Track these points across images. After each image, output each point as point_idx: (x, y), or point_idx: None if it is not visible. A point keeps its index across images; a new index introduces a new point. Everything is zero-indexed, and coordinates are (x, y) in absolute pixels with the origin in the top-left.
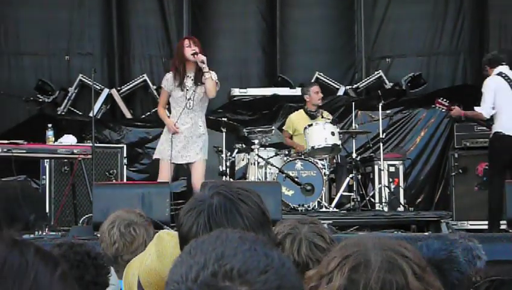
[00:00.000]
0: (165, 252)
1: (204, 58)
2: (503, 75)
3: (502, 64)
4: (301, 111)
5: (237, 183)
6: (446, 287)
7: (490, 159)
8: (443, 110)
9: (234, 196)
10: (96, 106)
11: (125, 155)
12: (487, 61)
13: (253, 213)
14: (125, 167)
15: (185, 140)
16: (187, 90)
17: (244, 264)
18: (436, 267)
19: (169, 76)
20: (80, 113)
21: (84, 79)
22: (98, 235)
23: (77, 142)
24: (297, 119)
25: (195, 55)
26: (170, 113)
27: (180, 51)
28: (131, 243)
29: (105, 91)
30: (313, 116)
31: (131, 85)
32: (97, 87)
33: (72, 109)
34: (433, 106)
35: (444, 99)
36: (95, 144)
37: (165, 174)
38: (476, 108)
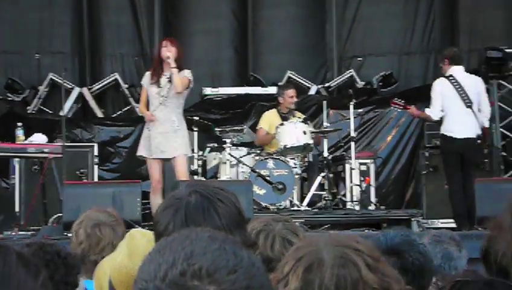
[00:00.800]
0: (137, 251)
1: (169, 54)
2: (451, 78)
3: (460, 65)
4: (274, 111)
5: (213, 182)
6: (407, 270)
7: (443, 161)
8: (400, 110)
9: (212, 194)
10: (67, 105)
11: (96, 154)
12: (450, 56)
13: (230, 212)
14: (96, 166)
15: (160, 136)
16: (161, 87)
17: (213, 264)
18: (394, 253)
19: (147, 74)
20: (51, 112)
21: (54, 78)
22: (69, 234)
23: (48, 142)
24: (271, 117)
25: (167, 58)
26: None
27: (158, 51)
28: (97, 244)
29: (76, 90)
30: (285, 118)
31: (102, 84)
32: (68, 86)
33: (43, 108)
34: (391, 106)
35: (399, 99)
36: (66, 143)
37: (152, 170)
38: (426, 110)
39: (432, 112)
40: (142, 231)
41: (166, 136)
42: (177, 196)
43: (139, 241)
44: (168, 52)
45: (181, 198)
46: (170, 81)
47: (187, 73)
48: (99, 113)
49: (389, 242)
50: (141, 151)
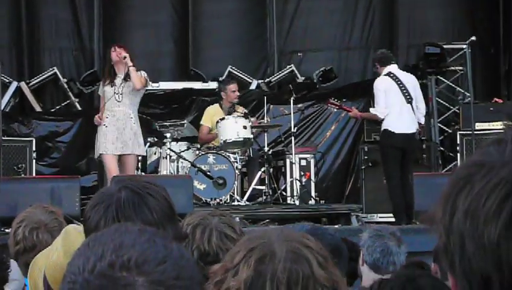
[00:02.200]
0: (72, 248)
1: (127, 55)
2: (392, 75)
3: (392, 64)
4: (217, 106)
5: (144, 177)
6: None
7: (382, 157)
8: (336, 109)
9: (142, 189)
10: (5, 99)
11: (34, 149)
12: (378, 59)
13: (161, 207)
14: (34, 161)
15: (117, 131)
16: (116, 86)
17: (142, 255)
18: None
19: (101, 81)
20: None
21: None
22: (7, 230)
23: None
24: (214, 112)
25: (119, 55)
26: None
27: (108, 58)
28: (32, 248)
29: (14, 84)
30: (228, 113)
31: (41, 78)
32: (5, 79)
33: None
34: (326, 106)
35: (335, 99)
36: (3, 138)
37: (113, 166)
38: (371, 110)
39: (378, 111)
40: (78, 227)
41: (123, 133)
42: (107, 192)
43: (75, 238)
44: (123, 53)
45: (111, 194)
46: (125, 79)
47: (143, 73)
48: (37, 108)
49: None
50: (99, 150)
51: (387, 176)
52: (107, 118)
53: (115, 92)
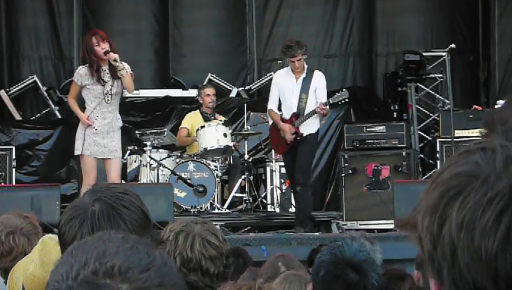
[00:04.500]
0: (49, 259)
1: (116, 56)
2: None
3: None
4: (197, 112)
5: (120, 185)
6: (368, 289)
7: (311, 157)
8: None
9: (115, 202)
10: None
11: (14, 157)
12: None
13: (136, 217)
14: (14, 169)
15: (107, 134)
16: (105, 85)
17: (125, 262)
18: (357, 269)
19: (82, 71)
20: None
21: None
22: None
23: None
24: (193, 118)
25: (107, 54)
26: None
27: (91, 49)
28: (9, 253)
29: None
30: (207, 118)
31: (20, 86)
32: None
33: None
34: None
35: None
36: None
37: (91, 168)
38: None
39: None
40: (55, 237)
41: (111, 134)
42: (81, 206)
43: (52, 249)
44: (113, 54)
45: (85, 208)
46: (113, 75)
47: (128, 67)
48: (17, 116)
49: (352, 255)
50: (79, 151)
51: (310, 178)
52: (96, 119)
53: (105, 93)
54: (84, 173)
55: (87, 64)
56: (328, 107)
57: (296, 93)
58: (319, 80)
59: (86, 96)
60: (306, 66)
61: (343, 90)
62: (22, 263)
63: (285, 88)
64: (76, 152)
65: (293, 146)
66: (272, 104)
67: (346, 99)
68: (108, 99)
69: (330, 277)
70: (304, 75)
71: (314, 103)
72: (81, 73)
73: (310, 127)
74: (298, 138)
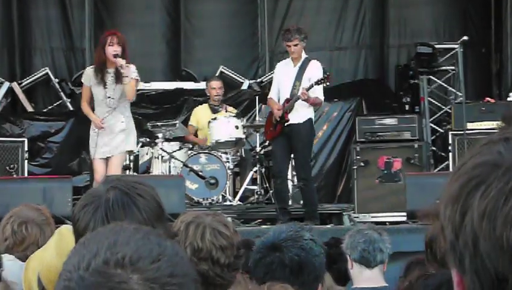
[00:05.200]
0: (66, 249)
1: (123, 62)
2: None
3: None
4: (206, 105)
5: (133, 176)
6: (285, 265)
7: (308, 147)
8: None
9: (130, 189)
10: None
11: (26, 149)
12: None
13: (150, 206)
14: (26, 161)
15: (107, 137)
16: (107, 88)
17: (136, 252)
18: (277, 247)
19: (89, 71)
20: None
21: None
22: None
23: None
24: (201, 112)
25: (116, 58)
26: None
27: (102, 48)
28: (21, 242)
29: (6, 84)
30: (215, 111)
31: (32, 78)
32: None
33: None
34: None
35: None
36: None
37: (99, 169)
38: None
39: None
40: (71, 228)
41: (112, 136)
42: (96, 193)
43: (69, 239)
44: (120, 60)
45: (100, 195)
46: (117, 80)
47: (133, 72)
48: (29, 108)
49: (276, 237)
50: (91, 154)
51: (310, 171)
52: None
53: (107, 97)
54: (95, 174)
55: (93, 66)
56: (307, 92)
57: (291, 80)
58: (314, 68)
59: (94, 98)
60: (305, 56)
61: (328, 73)
62: (37, 254)
63: (282, 76)
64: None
65: (284, 136)
66: (272, 94)
67: (327, 82)
68: (109, 103)
69: (255, 263)
70: (300, 63)
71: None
72: (88, 73)
73: (299, 115)
74: (286, 124)
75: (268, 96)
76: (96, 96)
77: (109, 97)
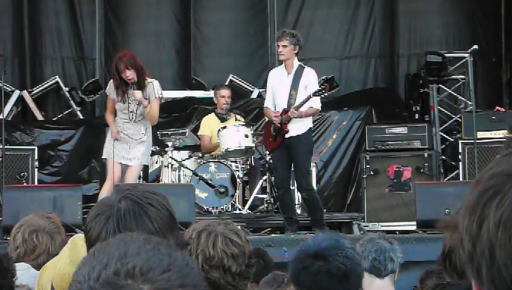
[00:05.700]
0: (79, 258)
1: (140, 95)
2: None
3: None
4: (212, 114)
5: (144, 186)
6: (332, 274)
7: (307, 156)
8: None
9: (142, 199)
10: (7, 108)
11: (36, 158)
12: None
13: (162, 216)
14: (36, 169)
15: (128, 146)
16: (130, 103)
17: (147, 263)
18: (321, 257)
19: (111, 84)
20: None
21: None
22: (9, 238)
23: None
24: (211, 121)
25: (133, 88)
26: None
27: (118, 72)
28: (32, 250)
29: (16, 93)
30: (223, 119)
31: (43, 87)
32: (7, 88)
33: None
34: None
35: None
36: (5, 147)
37: (110, 172)
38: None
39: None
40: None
41: (132, 145)
42: (107, 203)
43: (82, 248)
44: (137, 93)
45: (112, 205)
46: (139, 103)
47: (157, 90)
48: (39, 116)
49: (317, 246)
50: (105, 155)
51: (311, 179)
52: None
53: (130, 111)
54: (108, 176)
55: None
56: (296, 111)
57: (287, 89)
58: (309, 76)
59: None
60: (298, 63)
61: (325, 84)
62: (52, 262)
63: (276, 85)
64: (103, 155)
65: (284, 147)
66: (267, 102)
67: (324, 93)
68: (132, 117)
69: (298, 271)
70: (293, 71)
71: None
72: (111, 85)
73: (298, 127)
74: (285, 135)
75: (264, 106)
76: (119, 110)
77: (132, 112)
